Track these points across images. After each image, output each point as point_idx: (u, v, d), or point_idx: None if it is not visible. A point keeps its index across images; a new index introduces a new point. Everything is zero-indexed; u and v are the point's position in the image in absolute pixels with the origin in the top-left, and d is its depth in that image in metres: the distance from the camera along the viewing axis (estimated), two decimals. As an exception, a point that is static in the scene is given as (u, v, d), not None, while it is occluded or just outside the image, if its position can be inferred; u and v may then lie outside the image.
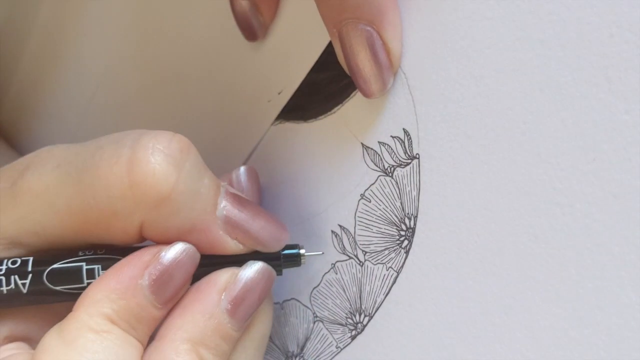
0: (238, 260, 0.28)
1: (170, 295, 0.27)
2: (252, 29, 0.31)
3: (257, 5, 0.30)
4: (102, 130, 0.42)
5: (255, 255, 0.28)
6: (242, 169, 0.32)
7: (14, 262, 0.27)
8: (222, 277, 0.28)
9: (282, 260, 0.29)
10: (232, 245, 0.28)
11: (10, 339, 0.28)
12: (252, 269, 0.28)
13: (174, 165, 0.26)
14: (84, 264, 0.27)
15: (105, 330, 0.25)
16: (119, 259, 0.27)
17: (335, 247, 0.31)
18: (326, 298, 0.31)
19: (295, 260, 0.29)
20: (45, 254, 0.28)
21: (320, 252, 0.31)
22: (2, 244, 0.28)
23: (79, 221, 0.27)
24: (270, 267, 0.28)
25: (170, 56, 0.37)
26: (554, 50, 0.23)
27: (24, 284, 0.27)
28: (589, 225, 0.23)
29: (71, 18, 0.42)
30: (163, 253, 0.27)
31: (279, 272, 0.29)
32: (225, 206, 0.27)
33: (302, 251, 0.29)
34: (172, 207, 0.26)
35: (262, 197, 0.33)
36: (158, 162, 0.26)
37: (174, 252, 0.27)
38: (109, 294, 0.26)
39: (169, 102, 0.38)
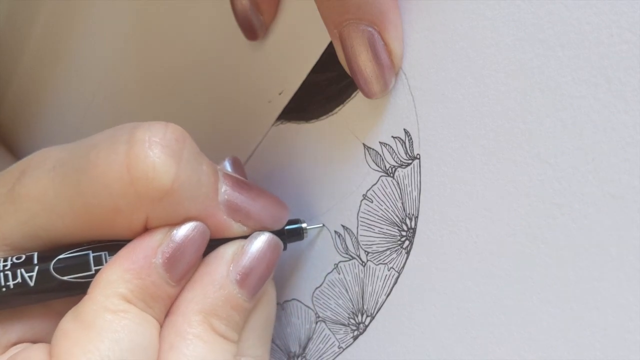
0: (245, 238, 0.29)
1: (184, 271, 0.27)
2: (252, 28, 0.31)
3: (257, 4, 0.30)
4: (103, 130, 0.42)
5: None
6: (227, 161, 0.32)
7: (18, 258, 0.27)
8: (229, 249, 0.28)
9: (286, 235, 0.30)
10: (236, 228, 0.28)
11: (19, 343, 0.28)
12: (259, 240, 0.28)
13: (173, 157, 0.26)
14: (90, 252, 0.27)
15: (122, 310, 0.26)
16: (125, 243, 0.27)
17: (338, 247, 0.31)
18: (329, 298, 0.31)
19: (298, 233, 0.30)
20: (50, 251, 0.28)
21: (321, 225, 0.31)
22: (5, 250, 0.27)
23: (82, 222, 0.27)
24: (276, 237, 0.29)
25: (170, 56, 0.37)
26: (554, 50, 0.23)
27: (30, 277, 0.27)
28: (588, 226, 0.22)
29: (71, 18, 0.42)
30: (175, 231, 0.27)
31: (284, 247, 0.29)
32: (225, 190, 0.28)
33: (304, 225, 0.30)
34: (176, 199, 0.26)
35: None
36: (156, 155, 0.25)
37: (185, 229, 0.27)
38: (123, 274, 0.26)
39: (170, 102, 0.38)
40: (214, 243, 0.28)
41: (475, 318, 0.26)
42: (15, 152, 0.51)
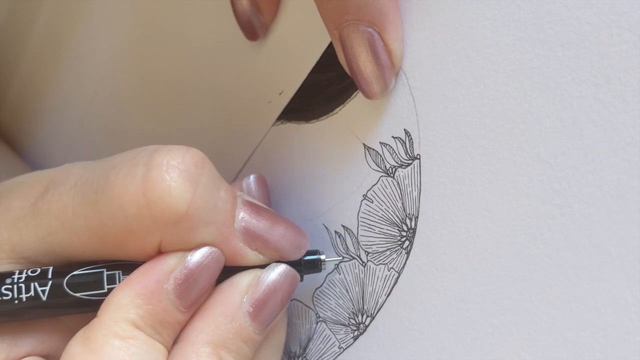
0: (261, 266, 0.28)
1: (195, 298, 0.27)
2: (252, 29, 0.31)
3: (257, 4, 0.30)
4: (103, 130, 0.42)
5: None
6: (252, 177, 0.32)
7: (33, 271, 0.27)
8: (244, 279, 0.27)
9: (303, 266, 0.29)
10: (252, 257, 0.27)
11: (29, 356, 0.28)
12: (275, 272, 0.28)
13: (190, 181, 0.25)
14: (104, 270, 0.27)
15: (131, 337, 0.25)
16: (140, 264, 0.27)
17: (338, 247, 0.31)
18: (329, 298, 0.31)
19: (316, 266, 0.29)
20: (66, 267, 0.27)
21: (340, 258, 0.31)
22: (22, 263, 0.28)
23: (97, 241, 0.26)
24: (293, 270, 0.28)
25: (171, 56, 0.37)
26: (554, 50, 0.23)
27: (43, 291, 0.26)
28: (587, 226, 0.22)
29: (72, 18, 0.42)
30: (189, 257, 0.26)
31: (300, 279, 0.29)
32: (243, 217, 0.27)
33: (322, 257, 0.29)
34: (190, 224, 0.26)
35: (270, 203, 0.33)
36: (173, 179, 0.25)
37: (199, 255, 0.26)
38: (134, 299, 0.26)
39: (170, 102, 0.38)
40: (229, 270, 0.27)
41: (475, 318, 0.26)
42: (18, 150, 0.51)
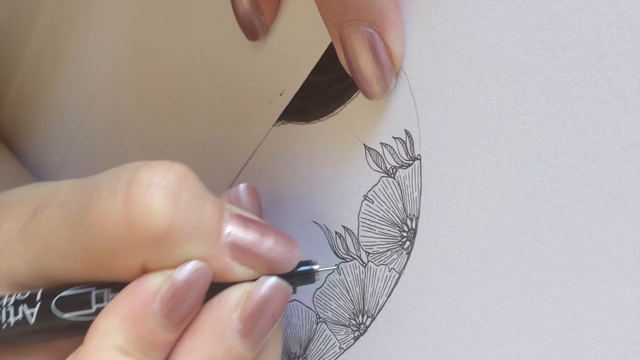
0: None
1: (183, 316, 0.26)
2: (253, 29, 0.31)
3: (258, 4, 0.30)
4: (103, 132, 0.42)
5: None
6: (242, 186, 0.31)
7: (22, 294, 0.26)
8: (233, 294, 0.26)
9: (296, 277, 0.28)
10: (241, 272, 0.26)
11: None
12: (266, 285, 0.26)
13: (171, 198, 0.25)
14: (93, 289, 0.26)
15: None
16: (127, 282, 0.26)
17: (339, 248, 0.31)
18: (329, 299, 0.31)
19: (309, 276, 0.28)
20: (56, 289, 0.27)
21: (335, 267, 0.30)
22: (14, 288, 0.27)
23: (84, 263, 0.26)
24: (285, 283, 0.27)
25: (171, 56, 0.37)
26: (554, 51, 0.23)
27: (32, 314, 0.26)
28: (588, 226, 0.22)
29: (72, 19, 0.42)
30: (175, 274, 0.25)
31: (293, 291, 0.27)
32: (230, 232, 0.26)
33: (315, 267, 0.28)
34: (173, 242, 0.25)
35: (262, 213, 0.31)
36: (154, 197, 0.25)
37: (186, 272, 0.25)
38: (120, 325, 0.25)
39: (171, 102, 0.38)
40: (218, 286, 0.26)
41: (475, 319, 0.26)
42: (17, 151, 0.51)
